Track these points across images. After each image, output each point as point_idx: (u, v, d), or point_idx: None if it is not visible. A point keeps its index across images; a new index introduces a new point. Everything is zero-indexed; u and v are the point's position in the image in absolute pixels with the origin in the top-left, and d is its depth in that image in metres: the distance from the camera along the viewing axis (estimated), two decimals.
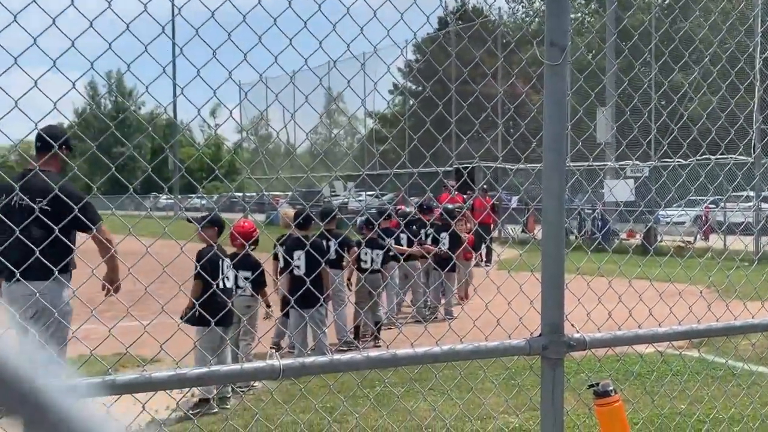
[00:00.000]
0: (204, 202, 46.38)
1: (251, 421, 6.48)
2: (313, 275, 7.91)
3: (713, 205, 23.58)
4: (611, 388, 3.27)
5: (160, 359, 7.25)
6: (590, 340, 3.18)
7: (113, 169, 2.64)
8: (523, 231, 23.84)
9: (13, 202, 5.54)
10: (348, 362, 2.82)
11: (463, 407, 6.58)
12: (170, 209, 45.64)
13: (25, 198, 5.42)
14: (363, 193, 37.14)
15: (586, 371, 7.43)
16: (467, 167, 15.80)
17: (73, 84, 2.38)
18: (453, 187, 18.32)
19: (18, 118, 2.41)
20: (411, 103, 38.17)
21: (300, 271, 8.45)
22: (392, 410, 6.66)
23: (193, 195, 50.25)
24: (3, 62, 2.36)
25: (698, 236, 22.88)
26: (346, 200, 35.82)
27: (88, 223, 4.80)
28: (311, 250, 7.95)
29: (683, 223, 23.43)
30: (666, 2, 28.94)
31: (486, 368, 7.36)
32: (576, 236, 21.03)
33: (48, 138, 5.66)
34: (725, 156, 13.11)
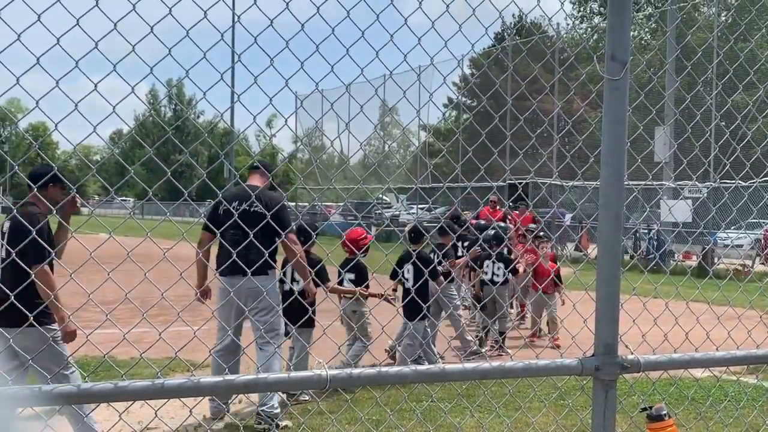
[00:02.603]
0: None
1: (297, 430, 6.48)
2: (417, 285, 8.21)
3: None
4: (665, 412, 3.18)
5: (209, 365, 7.34)
6: (644, 362, 3.10)
7: (168, 173, 2.66)
8: (576, 249, 23.55)
9: (238, 210, 6.45)
10: (396, 374, 2.79)
11: (511, 425, 6.49)
12: None
13: (248, 207, 6.50)
14: (415, 205, 37.18)
15: (639, 394, 7.28)
16: (521, 182, 15.68)
17: (132, 89, 2.41)
18: (494, 202, 18.06)
19: (81, 122, 2.45)
20: (465, 117, 38.08)
21: (408, 284, 8.74)
22: (439, 426, 6.60)
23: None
24: (66, 66, 2.40)
25: (758, 259, 22.34)
26: (397, 212, 35.85)
27: (278, 230, 6.18)
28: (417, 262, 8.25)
29: (741, 245, 22.90)
30: (729, 21, 28.42)
31: (536, 387, 7.26)
32: (631, 256, 20.64)
33: (262, 166, 7.10)
34: None
